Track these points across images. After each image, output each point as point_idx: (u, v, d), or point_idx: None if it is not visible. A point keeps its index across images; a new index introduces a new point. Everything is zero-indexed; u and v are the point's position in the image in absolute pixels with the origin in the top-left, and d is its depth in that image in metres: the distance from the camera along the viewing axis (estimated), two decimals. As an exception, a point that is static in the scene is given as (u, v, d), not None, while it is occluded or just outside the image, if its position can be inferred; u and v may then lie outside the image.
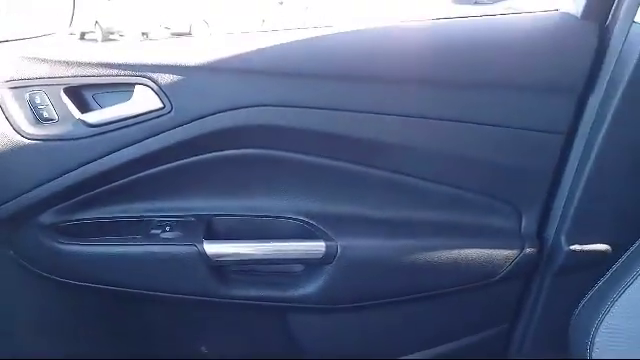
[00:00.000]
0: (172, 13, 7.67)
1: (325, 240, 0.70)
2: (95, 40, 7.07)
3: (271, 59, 0.66)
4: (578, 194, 0.68)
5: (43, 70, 0.66)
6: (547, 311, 0.76)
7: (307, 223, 0.73)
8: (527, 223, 0.73)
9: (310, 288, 0.73)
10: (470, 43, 0.67)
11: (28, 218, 0.70)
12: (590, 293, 0.61)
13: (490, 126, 0.68)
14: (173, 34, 7.35)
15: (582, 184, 0.67)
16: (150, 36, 7.20)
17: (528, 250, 0.72)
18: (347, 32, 0.70)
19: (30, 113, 0.66)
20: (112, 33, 7.33)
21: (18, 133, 0.65)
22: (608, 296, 0.56)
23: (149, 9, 7.47)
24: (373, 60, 0.67)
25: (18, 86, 0.65)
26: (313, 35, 0.69)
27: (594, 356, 0.56)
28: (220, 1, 8.06)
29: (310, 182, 0.73)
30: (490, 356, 0.81)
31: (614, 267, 0.59)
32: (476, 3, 6.46)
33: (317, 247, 0.71)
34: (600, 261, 0.67)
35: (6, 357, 0.75)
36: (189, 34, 7.30)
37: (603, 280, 0.60)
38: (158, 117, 0.66)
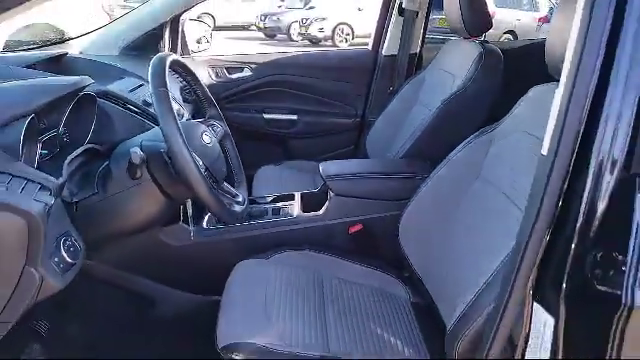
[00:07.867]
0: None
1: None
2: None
3: (274, 61, 2.07)
4: (375, 101, 2.12)
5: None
6: None
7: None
8: (357, 107, 2.15)
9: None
10: (319, 63, 2.16)
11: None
12: None
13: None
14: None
15: (374, 102, 2.14)
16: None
17: (358, 112, 2.16)
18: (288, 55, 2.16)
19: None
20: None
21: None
22: None
23: None
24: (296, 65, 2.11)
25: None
26: (286, 55, 2.14)
27: None
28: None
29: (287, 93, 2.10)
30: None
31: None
32: None
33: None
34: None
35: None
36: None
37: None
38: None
